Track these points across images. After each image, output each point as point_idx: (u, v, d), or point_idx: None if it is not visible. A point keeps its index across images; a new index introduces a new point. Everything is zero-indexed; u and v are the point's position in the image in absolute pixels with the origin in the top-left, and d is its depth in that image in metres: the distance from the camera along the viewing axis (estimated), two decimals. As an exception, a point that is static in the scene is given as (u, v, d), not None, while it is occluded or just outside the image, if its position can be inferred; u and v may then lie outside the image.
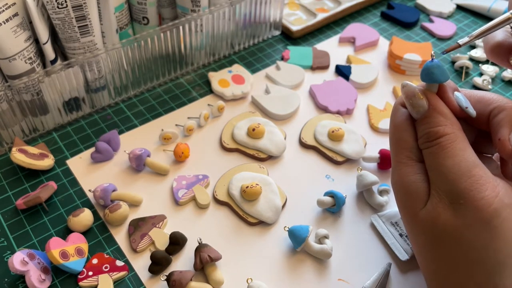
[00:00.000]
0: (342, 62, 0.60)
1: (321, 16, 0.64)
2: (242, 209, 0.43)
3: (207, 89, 0.56)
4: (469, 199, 0.29)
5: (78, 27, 0.46)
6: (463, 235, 0.30)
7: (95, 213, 0.43)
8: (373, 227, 0.43)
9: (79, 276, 0.38)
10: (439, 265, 0.32)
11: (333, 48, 0.62)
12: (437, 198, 0.31)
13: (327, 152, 0.48)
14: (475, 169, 0.30)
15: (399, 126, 0.35)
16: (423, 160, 0.33)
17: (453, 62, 0.61)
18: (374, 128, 0.52)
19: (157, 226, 0.42)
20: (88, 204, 0.44)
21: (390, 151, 0.36)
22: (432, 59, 0.33)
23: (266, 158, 0.48)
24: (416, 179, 0.32)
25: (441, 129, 0.32)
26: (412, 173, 0.33)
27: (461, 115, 0.34)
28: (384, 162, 0.46)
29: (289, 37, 0.63)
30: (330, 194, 0.43)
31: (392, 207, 0.44)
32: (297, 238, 0.39)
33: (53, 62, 0.47)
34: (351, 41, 0.63)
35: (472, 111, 0.33)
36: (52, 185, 0.44)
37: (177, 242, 0.40)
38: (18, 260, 0.36)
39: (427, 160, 0.32)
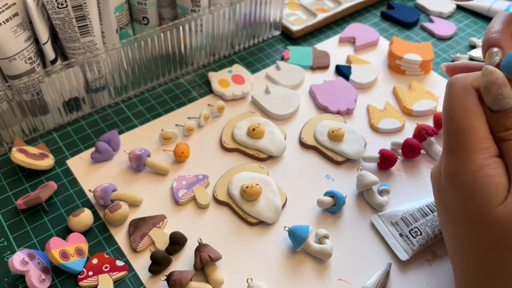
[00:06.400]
0: (342, 62, 0.60)
1: (321, 16, 0.64)
2: (242, 209, 0.43)
3: (207, 89, 0.56)
4: None
5: (78, 27, 0.46)
6: None
7: (95, 213, 0.43)
8: (373, 227, 0.43)
9: (79, 276, 0.39)
10: (503, 268, 0.29)
11: (333, 48, 0.62)
12: None
13: (327, 152, 0.48)
14: None
15: (473, 111, 0.31)
16: (498, 153, 0.31)
17: (453, 62, 0.60)
18: (374, 128, 0.52)
19: (157, 226, 0.42)
20: (88, 204, 0.44)
21: (453, 139, 0.32)
22: None
23: (266, 158, 0.48)
24: (496, 173, 0.30)
25: None
26: (491, 167, 0.30)
27: None
28: (384, 162, 0.46)
29: (289, 37, 0.63)
30: (330, 194, 0.43)
31: (392, 207, 0.44)
32: (297, 238, 0.39)
33: (53, 62, 0.47)
34: (351, 41, 0.63)
35: None
36: (52, 185, 0.44)
37: (177, 242, 0.40)
38: (18, 260, 0.36)
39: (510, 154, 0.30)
